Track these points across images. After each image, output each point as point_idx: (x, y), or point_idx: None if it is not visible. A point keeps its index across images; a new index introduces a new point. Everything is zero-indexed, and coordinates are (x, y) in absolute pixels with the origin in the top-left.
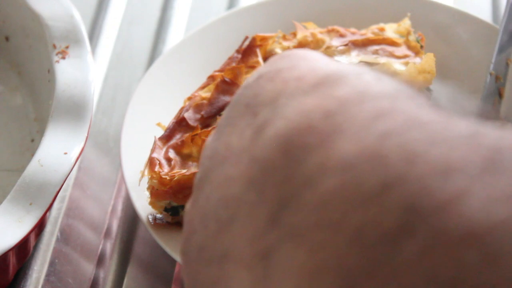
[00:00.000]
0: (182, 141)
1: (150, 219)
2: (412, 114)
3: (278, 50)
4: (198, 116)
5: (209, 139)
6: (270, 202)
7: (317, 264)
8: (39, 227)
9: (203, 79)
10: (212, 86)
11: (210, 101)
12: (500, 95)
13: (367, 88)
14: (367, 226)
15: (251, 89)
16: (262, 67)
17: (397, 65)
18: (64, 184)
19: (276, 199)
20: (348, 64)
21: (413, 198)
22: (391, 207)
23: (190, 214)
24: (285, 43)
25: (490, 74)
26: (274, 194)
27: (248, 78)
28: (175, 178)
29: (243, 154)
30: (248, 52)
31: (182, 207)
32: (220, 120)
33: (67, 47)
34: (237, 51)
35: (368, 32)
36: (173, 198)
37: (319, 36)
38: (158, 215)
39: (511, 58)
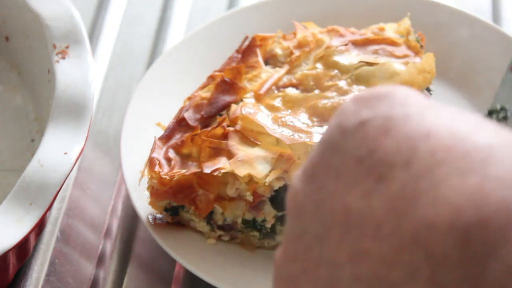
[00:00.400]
0: (182, 141)
1: (150, 219)
2: None
3: (278, 50)
4: (198, 116)
5: (298, 184)
6: None
7: None
8: (39, 227)
9: (203, 79)
10: (212, 86)
11: (210, 101)
12: None
13: None
14: None
15: (356, 139)
16: (358, 107)
17: (397, 65)
18: (64, 184)
19: None
20: (470, 115)
21: None
22: None
23: (290, 272)
24: (285, 43)
25: (510, 68)
26: None
27: (339, 118)
28: (175, 178)
29: (384, 229)
30: (248, 52)
31: (182, 207)
32: (313, 161)
33: (67, 47)
34: (237, 51)
35: (368, 32)
36: (173, 198)
37: (319, 36)
38: (158, 215)
39: None
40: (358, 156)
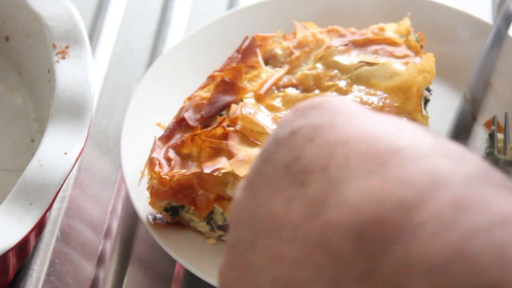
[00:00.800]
0: (182, 141)
1: (150, 219)
2: (495, 205)
3: (278, 50)
4: (198, 116)
5: (239, 194)
6: None
7: None
8: (39, 227)
9: (203, 79)
10: (212, 86)
11: (210, 101)
12: (474, 118)
13: (438, 171)
14: None
15: (286, 148)
16: (294, 118)
17: (397, 65)
18: (64, 184)
19: None
20: (400, 125)
21: None
22: None
23: (228, 280)
24: (285, 43)
25: (466, 97)
26: None
27: (278, 129)
28: (175, 178)
29: (298, 233)
30: (248, 52)
31: (182, 207)
32: (251, 172)
33: (67, 47)
34: (237, 51)
35: (368, 32)
36: (173, 198)
37: (319, 36)
38: (158, 215)
39: (491, 82)
40: (285, 164)
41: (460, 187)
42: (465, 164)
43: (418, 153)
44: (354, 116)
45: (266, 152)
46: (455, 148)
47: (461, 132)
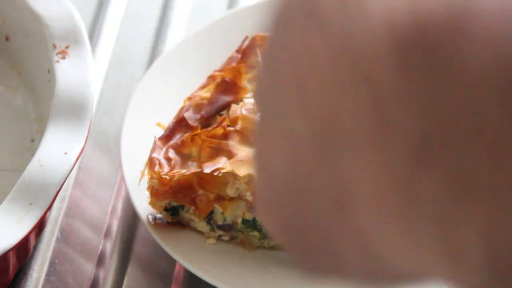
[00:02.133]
0: (182, 141)
1: (150, 219)
2: None
3: None
4: (198, 116)
5: (259, 72)
6: (407, 131)
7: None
8: (39, 227)
9: (203, 79)
10: (212, 86)
11: (210, 101)
12: None
13: None
14: None
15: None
16: None
17: None
18: (64, 184)
19: (416, 128)
20: None
21: None
22: None
23: (261, 151)
24: None
25: None
26: (406, 119)
27: None
28: (175, 178)
29: (325, 77)
30: (248, 52)
31: (182, 207)
32: (273, 24)
33: (67, 47)
34: (237, 51)
35: None
36: (173, 198)
37: None
38: (158, 215)
39: None
40: (305, 11)
41: None
42: None
43: None
44: None
45: (279, 18)
46: None
47: None
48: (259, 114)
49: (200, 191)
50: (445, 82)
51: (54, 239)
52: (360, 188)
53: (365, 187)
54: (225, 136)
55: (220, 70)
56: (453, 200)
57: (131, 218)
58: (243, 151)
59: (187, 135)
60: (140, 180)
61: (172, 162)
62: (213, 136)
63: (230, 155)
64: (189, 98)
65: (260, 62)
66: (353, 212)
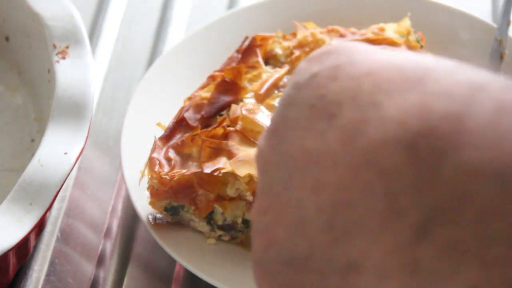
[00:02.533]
0: (182, 141)
1: (150, 219)
2: None
3: (278, 50)
4: (198, 116)
5: (263, 143)
6: (412, 213)
7: (495, 281)
8: (39, 227)
9: (203, 79)
10: (212, 86)
11: (210, 101)
12: (502, 57)
13: (474, 80)
14: None
15: (308, 89)
16: (309, 65)
17: None
18: (64, 184)
19: (420, 210)
20: (418, 56)
21: None
22: None
23: (264, 223)
24: (285, 43)
25: (496, 39)
26: (414, 204)
27: (294, 78)
28: (175, 178)
29: (338, 158)
30: (248, 52)
31: (182, 207)
32: (273, 120)
33: (67, 47)
34: (237, 51)
35: (368, 32)
36: (173, 198)
37: (319, 36)
38: (158, 215)
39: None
40: (310, 103)
41: (500, 92)
42: (497, 77)
43: (448, 70)
44: (371, 53)
45: (286, 98)
46: (478, 68)
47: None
48: (262, 177)
49: (200, 191)
50: (442, 174)
51: (54, 239)
52: (368, 263)
53: (373, 262)
54: (225, 136)
55: (220, 70)
56: (447, 266)
57: (131, 218)
58: (243, 151)
59: (187, 135)
60: (140, 180)
61: (172, 162)
62: (213, 136)
63: (230, 155)
64: (189, 98)
65: (268, 135)
66: (357, 283)
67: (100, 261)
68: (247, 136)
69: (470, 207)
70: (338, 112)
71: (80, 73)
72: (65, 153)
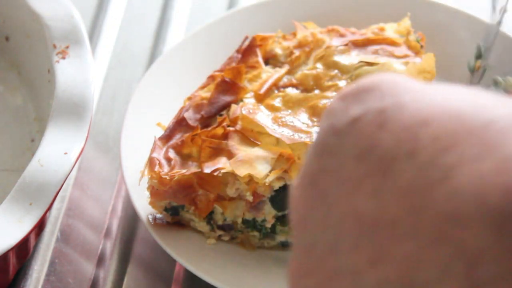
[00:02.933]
0: (182, 141)
1: (150, 219)
2: None
3: (278, 50)
4: (198, 116)
5: (299, 194)
6: None
7: None
8: (39, 227)
9: (203, 79)
10: (212, 86)
11: (210, 101)
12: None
13: None
14: None
15: (354, 137)
16: (344, 105)
17: (397, 65)
18: (64, 184)
19: None
20: (465, 90)
21: None
22: None
23: (305, 286)
24: (285, 43)
25: (496, 82)
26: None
27: (329, 119)
28: (175, 178)
29: (403, 227)
30: (248, 52)
31: (182, 207)
32: (309, 168)
33: (67, 47)
34: (237, 51)
35: (368, 32)
36: (173, 198)
37: (319, 36)
38: (158, 215)
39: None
40: (356, 155)
41: None
42: None
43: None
44: (419, 93)
45: (325, 145)
46: None
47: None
48: (301, 233)
49: (200, 191)
50: None
51: (54, 239)
52: None
53: None
54: (225, 136)
55: (220, 70)
56: None
57: (131, 218)
58: (243, 151)
59: (187, 135)
60: (140, 180)
61: (172, 162)
62: (213, 136)
63: (230, 155)
64: (189, 98)
65: (310, 188)
66: None
67: (100, 261)
68: (247, 136)
69: None
70: (393, 169)
71: (80, 73)
72: (65, 153)
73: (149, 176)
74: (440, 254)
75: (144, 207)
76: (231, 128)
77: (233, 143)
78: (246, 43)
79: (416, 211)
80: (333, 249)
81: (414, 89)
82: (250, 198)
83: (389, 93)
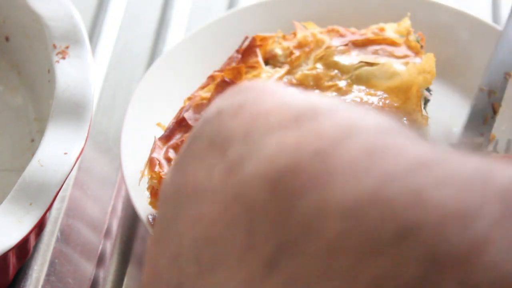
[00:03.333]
0: (182, 141)
1: (150, 219)
2: (409, 151)
3: (278, 50)
4: (198, 116)
5: (168, 174)
6: (266, 246)
7: None
8: (39, 227)
9: (203, 79)
10: (212, 86)
11: (210, 101)
12: (494, 110)
13: (351, 122)
14: (385, 277)
15: (212, 125)
16: (220, 101)
17: (397, 65)
18: (64, 184)
19: (273, 243)
20: (319, 96)
21: (433, 247)
22: (409, 258)
23: (152, 254)
24: (285, 43)
25: (481, 89)
26: (268, 237)
27: (206, 112)
28: None
29: (217, 193)
30: (248, 52)
31: None
32: (179, 154)
33: (67, 47)
34: (237, 51)
35: (368, 32)
36: None
37: (319, 36)
38: None
39: (510, 73)
40: (210, 138)
41: (373, 136)
42: (379, 119)
43: (332, 109)
44: (279, 94)
45: (194, 132)
46: (369, 109)
47: (478, 125)
48: (160, 208)
49: None
50: (298, 210)
51: (54, 239)
52: None
53: None
54: None
55: (220, 70)
56: None
57: (131, 218)
58: None
59: (187, 135)
60: (140, 180)
61: (172, 162)
62: None
63: None
64: (189, 98)
65: (171, 167)
66: None
67: (100, 261)
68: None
69: (317, 242)
70: (228, 148)
71: (80, 73)
72: (65, 153)
73: (149, 176)
74: (232, 212)
75: (144, 207)
76: None
77: None
78: (246, 43)
79: (228, 179)
80: (175, 218)
81: (277, 92)
82: None
83: (254, 93)
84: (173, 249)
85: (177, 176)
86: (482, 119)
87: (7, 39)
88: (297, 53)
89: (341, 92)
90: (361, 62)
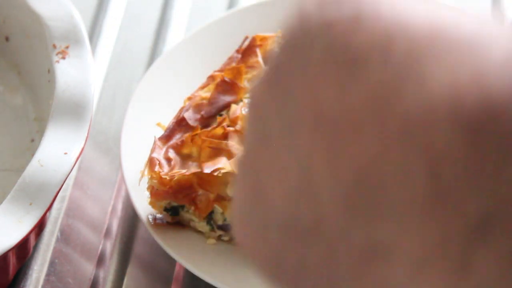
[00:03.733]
0: (182, 141)
1: (150, 219)
2: None
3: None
4: (198, 116)
5: (259, 89)
6: (470, 207)
7: None
8: (39, 227)
9: (203, 79)
10: (212, 86)
11: (210, 101)
12: None
13: None
14: None
15: (326, 40)
16: (319, 10)
17: None
18: (64, 184)
19: (480, 207)
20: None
21: None
22: None
23: (255, 172)
24: None
25: None
26: (471, 197)
27: (301, 20)
28: (175, 178)
29: (365, 124)
30: (248, 52)
31: (182, 207)
32: (270, 70)
33: (67, 47)
34: (237, 51)
35: None
36: (173, 198)
37: None
38: (158, 215)
39: None
40: (325, 47)
41: None
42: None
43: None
44: (397, 2)
45: (293, 46)
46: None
47: None
48: (256, 123)
49: (200, 191)
50: (509, 173)
51: (54, 239)
52: (400, 252)
53: (408, 253)
54: (225, 136)
55: (220, 70)
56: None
57: (131, 218)
58: None
59: (187, 135)
60: (140, 180)
61: (172, 162)
62: (213, 136)
63: (230, 155)
64: (189, 98)
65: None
66: (385, 273)
67: (100, 261)
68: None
69: None
70: (364, 68)
71: (80, 73)
72: (65, 153)
73: (149, 176)
74: (403, 153)
75: (144, 207)
76: (231, 128)
77: (233, 143)
78: (246, 43)
79: (382, 112)
80: (288, 141)
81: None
82: None
83: (364, 3)
84: (295, 180)
85: (281, 92)
86: None
87: (7, 39)
88: None
89: None
90: None
